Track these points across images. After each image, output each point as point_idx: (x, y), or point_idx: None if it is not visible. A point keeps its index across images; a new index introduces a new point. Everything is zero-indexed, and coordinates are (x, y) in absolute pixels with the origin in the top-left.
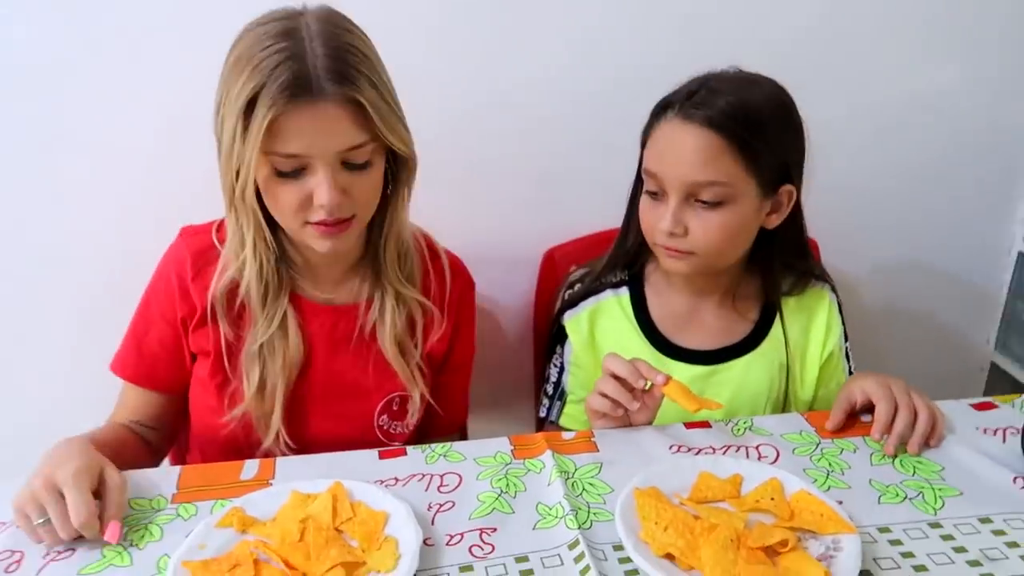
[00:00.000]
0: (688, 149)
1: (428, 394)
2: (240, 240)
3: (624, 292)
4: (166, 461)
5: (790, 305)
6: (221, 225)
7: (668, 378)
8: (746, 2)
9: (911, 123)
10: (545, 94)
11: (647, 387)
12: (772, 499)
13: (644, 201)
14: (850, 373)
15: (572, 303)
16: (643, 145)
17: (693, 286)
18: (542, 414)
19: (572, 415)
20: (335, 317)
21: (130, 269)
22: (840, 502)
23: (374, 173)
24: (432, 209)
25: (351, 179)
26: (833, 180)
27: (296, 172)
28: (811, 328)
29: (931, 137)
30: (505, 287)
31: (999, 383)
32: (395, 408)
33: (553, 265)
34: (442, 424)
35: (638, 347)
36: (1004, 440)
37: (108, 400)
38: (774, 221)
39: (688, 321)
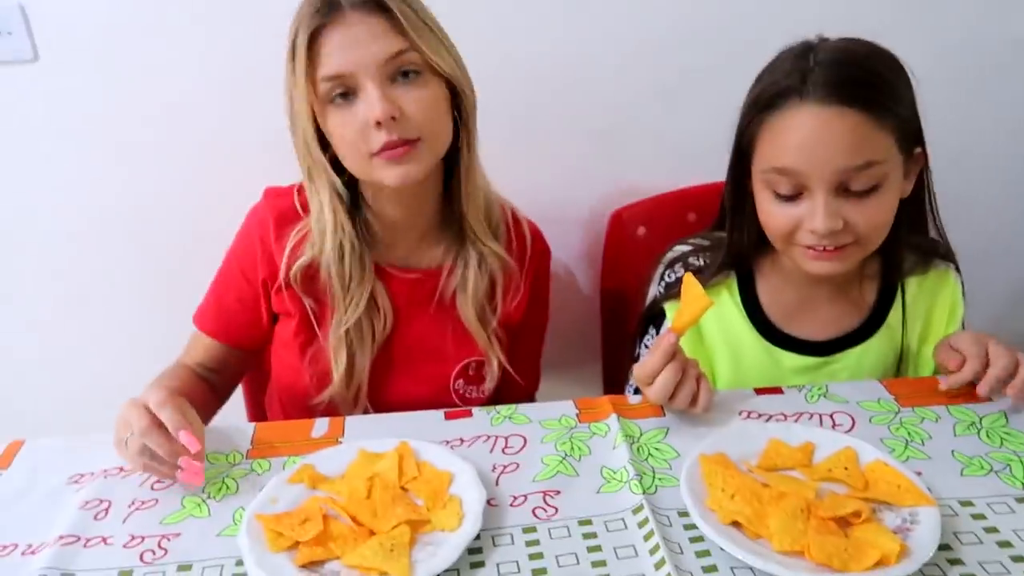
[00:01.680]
0: (837, 134)
1: (505, 360)
2: (319, 206)
3: (732, 277)
4: (243, 417)
5: (911, 288)
6: (303, 187)
7: (671, 326)
8: None
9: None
10: (602, 47)
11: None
12: (846, 468)
13: (769, 203)
14: None
15: (672, 287)
16: (749, 142)
17: (812, 276)
18: (628, 393)
19: None
20: (416, 282)
21: (210, 233)
22: (919, 473)
23: (428, 89)
24: (495, 168)
25: (404, 94)
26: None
27: (347, 96)
28: (933, 313)
29: None
30: (571, 248)
31: None
32: (471, 373)
33: (621, 225)
34: (517, 389)
35: (745, 335)
36: None
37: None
38: (907, 188)
39: (801, 310)
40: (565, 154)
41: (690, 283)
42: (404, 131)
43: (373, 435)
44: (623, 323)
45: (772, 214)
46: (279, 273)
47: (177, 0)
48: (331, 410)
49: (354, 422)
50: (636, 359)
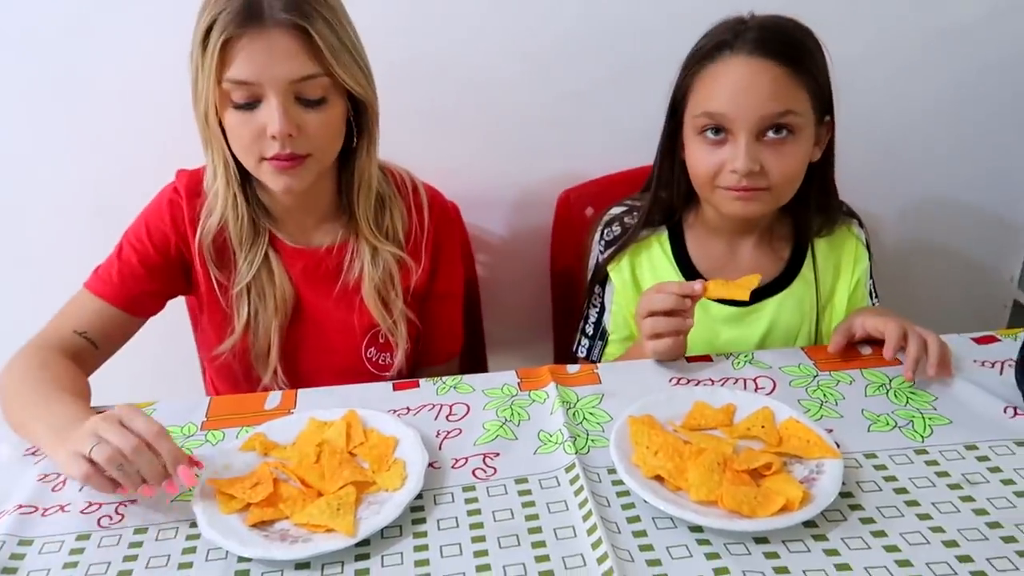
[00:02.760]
0: (761, 83)
1: (407, 341)
2: (214, 173)
3: (663, 232)
4: (201, 392)
5: (821, 246)
6: None
7: (705, 284)
8: None
9: (930, 58)
10: (554, 33)
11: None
12: (762, 427)
13: (697, 147)
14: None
15: (611, 245)
16: (684, 91)
17: (734, 228)
18: (580, 353)
19: (613, 355)
20: (316, 259)
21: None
22: (830, 430)
23: (330, 112)
24: (446, 151)
25: (305, 115)
26: (853, 120)
27: (251, 104)
28: (841, 264)
29: (953, 71)
30: (521, 229)
31: (1022, 321)
32: (382, 341)
33: (568, 206)
34: (434, 352)
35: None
36: (1001, 372)
37: None
38: (816, 155)
39: (726, 262)
40: (517, 138)
41: (752, 281)
42: (297, 147)
43: (324, 406)
44: (572, 300)
45: (699, 158)
46: (190, 247)
47: None
48: (245, 366)
49: (306, 395)
50: (586, 321)
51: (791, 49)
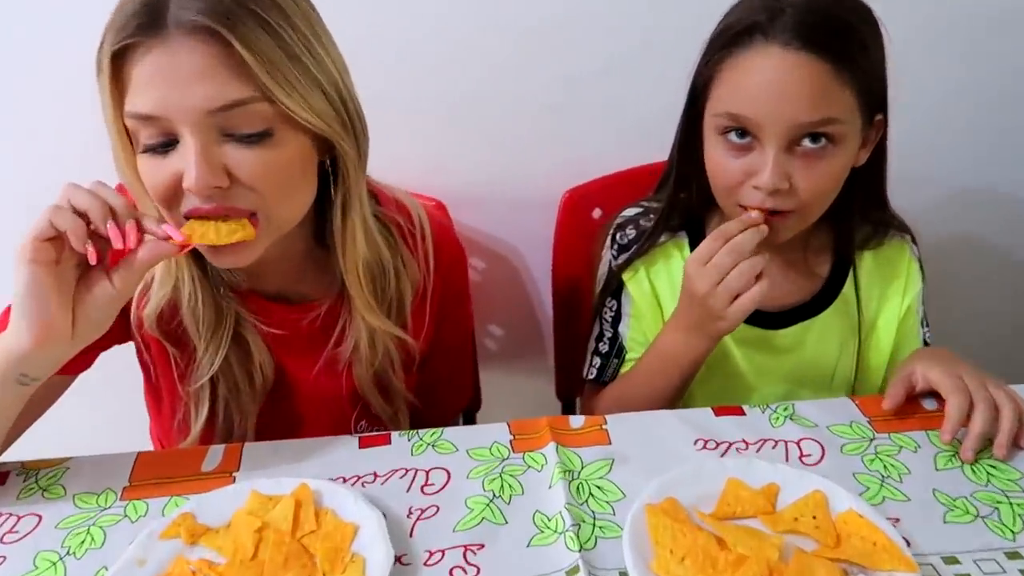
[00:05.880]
0: (799, 83)
1: (407, 420)
2: None
3: (683, 238)
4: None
5: (866, 260)
6: None
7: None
8: None
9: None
10: (554, 21)
11: None
12: (814, 518)
13: (718, 150)
14: (925, 343)
15: (625, 250)
16: (705, 82)
17: (764, 240)
18: (591, 375)
19: None
20: (299, 317)
21: None
22: (896, 521)
23: (279, 151)
24: (441, 148)
25: (238, 151)
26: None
27: (165, 145)
28: (890, 285)
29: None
30: (521, 230)
31: None
32: (375, 413)
33: (573, 207)
34: (439, 412)
35: None
36: None
37: None
38: (863, 157)
39: None
40: (511, 131)
41: None
42: (228, 199)
43: (273, 466)
44: (577, 311)
45: (719, 163)
46: (130, 318)
47: None
48: None
49: (252, 451)
50: (599, 338)
51: (839, 40)
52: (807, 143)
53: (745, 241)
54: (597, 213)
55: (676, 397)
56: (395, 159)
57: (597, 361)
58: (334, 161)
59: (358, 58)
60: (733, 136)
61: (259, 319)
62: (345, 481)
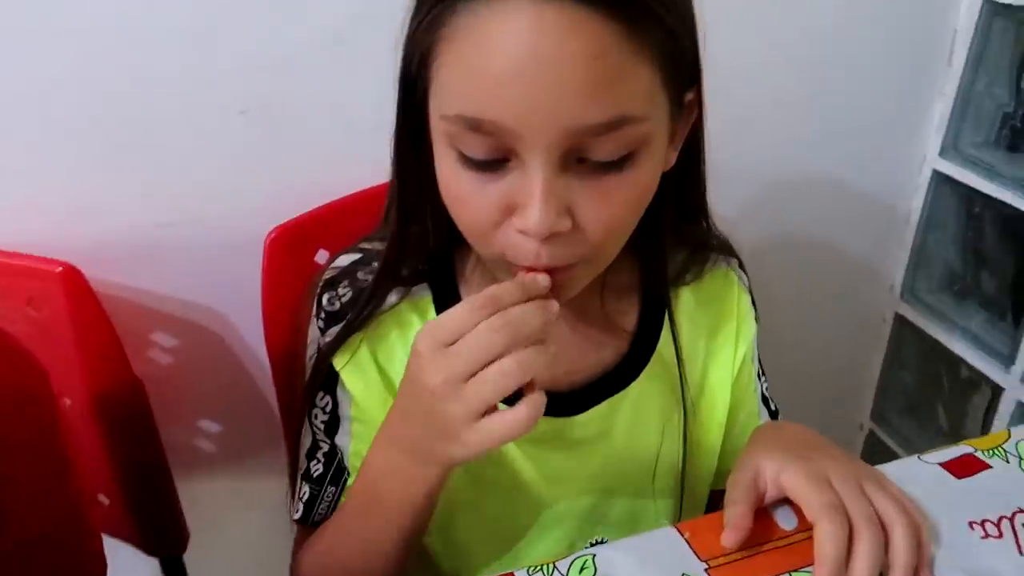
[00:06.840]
0: (566, 59)
1: None
2: None
3: (425, 293)
4: None
5: (684, 300)
6: None
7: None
8: None
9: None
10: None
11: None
12: None
13: (456, 178)
14: (763, 395)
15: (337, 319)
16: (421, 60)
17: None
18: (296, 514)
19: None
20: None
21: None
22: None
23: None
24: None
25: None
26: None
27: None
28: (719, 331)
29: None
30: (222, 284)
31: (905, 341)
32: None
33: (286, 250)
34: None
35: None
36: (1016, 538)
37: None
38: (672, 158)
39: None
40: (202, 162)
41: None
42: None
43: None
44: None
45: (459, 195)
46: None
47: None
48: None
49: None
50: (311, 454)
51: None
52: (594, 155)
53: (523, 320)
54: (322, 256)
55: (406, 547)
56: None
57: (306, 490)
58: None
59: None
60: (475, 151)
61: None
62: None
